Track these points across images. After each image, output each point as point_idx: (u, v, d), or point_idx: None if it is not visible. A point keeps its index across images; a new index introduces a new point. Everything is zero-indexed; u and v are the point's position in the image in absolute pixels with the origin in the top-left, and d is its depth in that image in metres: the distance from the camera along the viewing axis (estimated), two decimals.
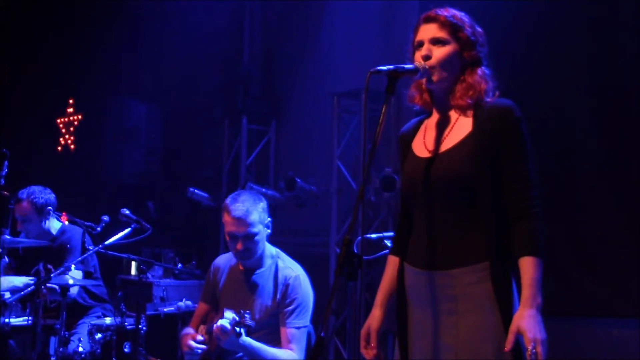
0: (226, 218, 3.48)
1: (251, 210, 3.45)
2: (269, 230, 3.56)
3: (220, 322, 3.26)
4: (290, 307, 3.49)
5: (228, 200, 3.52)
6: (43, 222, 4.78)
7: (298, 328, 3.47)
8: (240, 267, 3.66)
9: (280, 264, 3.59)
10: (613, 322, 4.62)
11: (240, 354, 3.48)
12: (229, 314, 3.27)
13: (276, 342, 3.49)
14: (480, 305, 2.29)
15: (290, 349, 3.45)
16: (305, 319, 3.51)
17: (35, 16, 8.10)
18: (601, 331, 4.61)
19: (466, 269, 2.31)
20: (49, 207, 4.80)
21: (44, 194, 4.80)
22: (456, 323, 2.32)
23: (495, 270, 2.28)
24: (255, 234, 3.46)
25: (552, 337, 4.57)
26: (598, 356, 4.48)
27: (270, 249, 3.64)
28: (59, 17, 8.16)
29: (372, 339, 2.52)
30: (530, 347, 2.16)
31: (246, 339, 3.32)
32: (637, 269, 4.55)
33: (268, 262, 3.60)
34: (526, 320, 2.19)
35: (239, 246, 3.48)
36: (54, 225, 4.88)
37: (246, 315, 3.24)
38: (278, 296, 3.52)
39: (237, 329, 3.22)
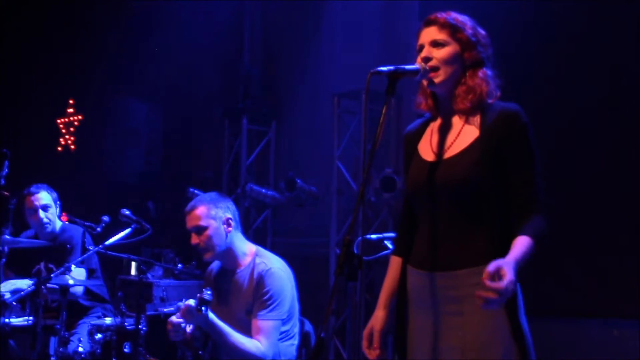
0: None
1: (199, 205, 3.58)
2: (230, 228, 3.58)
3: (186, 301, 3.32)
4: (261, 300, 3.47)
5: None
6: (54, 216, 4.87)
7: (266, 320, 3.44)
8: (226, 269, 3.67)
9: (257, 260, 3.59)
10: (613, 323, 4.63)
11: None
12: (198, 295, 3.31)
13: None
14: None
15: (258, 341, 3.41)
16: (276, 312, 3.47)
17: (35, 16, 8.10)
18: (601, 331, 4.61)
19: (470, 270, 2.31)
20: (59, 202, 4.95)
21: (52, 191, 4.96)
22: (462, 324, 2.32)
23: None
24: (204, 227, 3.53)
25: (553, 338, 4.58)
26: (598, 356, 4.48)
27: (247, 247, 3.66)
28: (59, 18, 8.16)
29: (375, 339, 2.52)
30: (505, 281, 2.07)
31: (214, 318, 3.33)
32: (637, 269, 4.55)
33: (246, 260, 3.62)
34: (507, 264, 2.12)
35: (193, 240, 3.58)
36: (57, 222, 4.91)
37: (206, 292, 3.28)
38: (252, 292, 3.52)
39: (201, 307, 3.26)
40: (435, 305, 2.37)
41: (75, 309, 4.66)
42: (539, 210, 2.31)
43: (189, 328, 3.43)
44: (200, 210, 3.55)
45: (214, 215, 3.55)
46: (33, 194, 4.87)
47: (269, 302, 3.46)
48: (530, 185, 2.32)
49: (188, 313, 3.29)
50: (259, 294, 3.48)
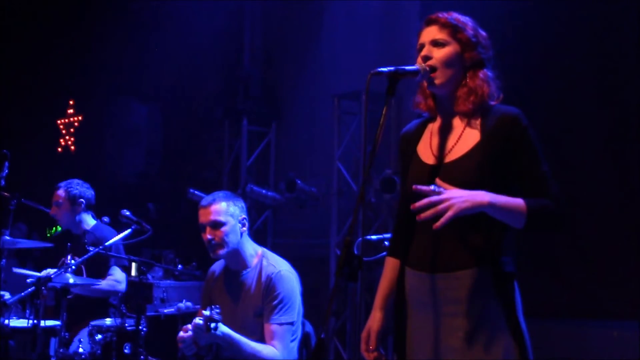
0: (198, 213, 3.58)
1: (218, 200, 3.54)
2: (244, 228, 3.57)
3: (194, 320, 3.28)
4: (273, 303, 3.45)
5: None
6: (73, 213, 4.85)
7: (280, 324, 3.43)
8: (230, 270, 3.65)
9: (264, 262, 3.57)
10: (613, 324, 4.63)
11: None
12: (205, 312, 3.28)
13: None
14: (486, 306, 2.30)
15: (273, 346, 3.41)
16: (288, 316, 3.46)
17: (36, 18, 8.11)
18: (602, 332, 4.61)
19: (470, 271, 2.31)
20: (81, 200, 4.87)
21: (81, 187, 4.91)
22: (462, 325, 2.32)
23: (498, 273, 2.30)
24: (222, 224, 3.49)
25: (553, 338, 4.58)
26: (598, 357, 4.48)
27: (254, 249, 3.64)
28: (59, 19, 8.17)
29: (371, 340, 2.52)
30: (440, 196, 2.14)
31: (224, 330, 3.30)
32: (637, 269, 4.56)
33: (253, 262, 3.59)
34: (471, 194, 2.19)
35: (206, 235, 3.52)
36: (88, 221, 4.90)
37: (215, 310, 3.24)
38: (262, 295, 3.50)
39: (210, 324, 3.21)
40: (435, 306, 2.37)
41: (80, 309, 4.67)
42: (551, 197, 2.29)
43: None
44: (220, 205, 3.53)
45: (232, 213, 3.54)
46: (55, 189, 4.89)
47: (280, 306, 3.45)
48: (541, 181, 2.31)
49: (197, 332, 3.26)
50: (269, 298, 3.47)
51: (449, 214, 2.15)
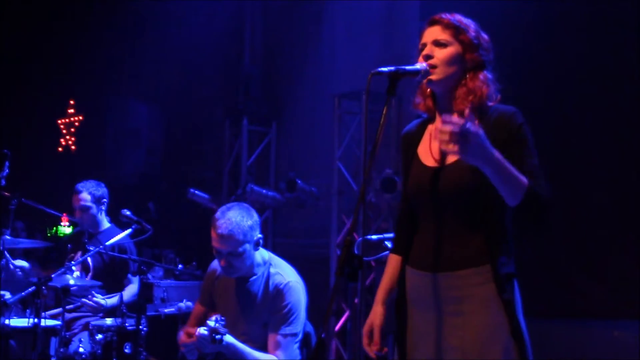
0: (212, 233, 3.43)
1: (236, 230, 3.37)
2: (258, 247, 3.49)
3: (199, 330, 3.26)
4: (280, 314, 3.43)
5: (217, 214, 3.45)
6: (99, 213, 4.88)
7: (285, 336, 3.41)
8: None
9: (272, 270, 3.53)
10: (614, 324, 4.63)
11: None
12: (210, 322, 3.26)
13: None
14: (486, 306, 2.31)
15: (276, 356, 3.39)
16: (294, 327, 3.44)
17: (36, 17, 8.11)
18: (602, 332, 4.62)
19: (471, 270, 2.33)
20: (105, 200, 4.94)
21: (101, 187, 4.97)
22: (462, 324, 2.33)
23: (498, 272, 2.31)
24: (241, 253, 3.41)
25: (553, 338, 4.58)
26: (598, 357, 4.49)
27: (262, 256, 3.57)
28: (59, 18, 8.17)
29: (375, 334, 2.53)
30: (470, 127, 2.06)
31: (229, 340, 3.29)
32: (637, 269, 4.56)
33: (260, 269, 3.55)
34: (488, 151, 2.13)
35: (223, 263, 3.44)
36: (105, 222, 4.92)
37: (221, 322, 3.22)
38: (269, 304, 3.47)
39: (215, 336, 3.21)
40: (436, 305, 2.38)
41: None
42: (542, 186, 2.27)
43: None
44: (240, 235, 3.37)
45: (249, 239, 3.41)
46: (76, 193, 4.90)
47: (287, 316, 3.43)
48: (530, 174, 2.27)
49: (201, 342, 3.25)
50: (276, 308, 3.44)
51: (454, 147, 2.08)
